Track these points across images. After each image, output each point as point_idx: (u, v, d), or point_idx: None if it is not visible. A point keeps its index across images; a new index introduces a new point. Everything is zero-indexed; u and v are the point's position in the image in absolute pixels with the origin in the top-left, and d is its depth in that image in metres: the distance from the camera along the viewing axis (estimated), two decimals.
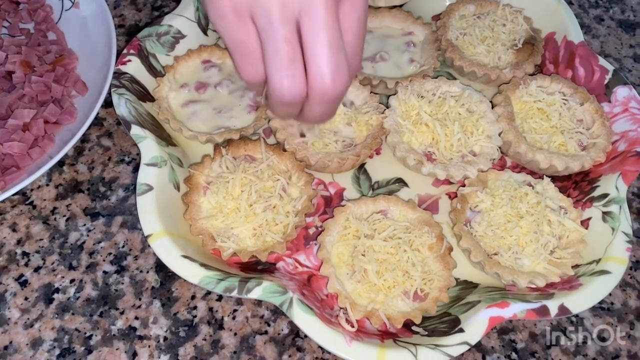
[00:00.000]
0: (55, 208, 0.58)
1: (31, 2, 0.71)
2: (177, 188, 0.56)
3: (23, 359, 0.49)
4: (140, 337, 0.51)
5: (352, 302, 0.50)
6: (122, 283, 0.54)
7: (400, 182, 0.62)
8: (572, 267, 0.53)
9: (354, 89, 0.64)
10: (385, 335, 0.49)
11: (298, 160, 0.58)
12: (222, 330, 0.52)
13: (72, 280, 0.54)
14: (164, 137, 0.59)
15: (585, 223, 0.56)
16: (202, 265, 0.49)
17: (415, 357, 0.45)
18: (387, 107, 0.63)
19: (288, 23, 0.39)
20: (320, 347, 0.50)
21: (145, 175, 0.54)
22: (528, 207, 0.55)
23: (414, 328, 0.50)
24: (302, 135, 0.61)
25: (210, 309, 0.53)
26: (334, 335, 0.46)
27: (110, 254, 0.56)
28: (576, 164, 0.59)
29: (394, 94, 0.64)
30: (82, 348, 0.50)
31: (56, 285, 0.54)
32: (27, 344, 0.50)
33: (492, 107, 0.64)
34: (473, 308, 0.50)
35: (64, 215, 0.58)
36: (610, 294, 0.52)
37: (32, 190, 0.60)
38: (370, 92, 0.64)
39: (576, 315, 0.55)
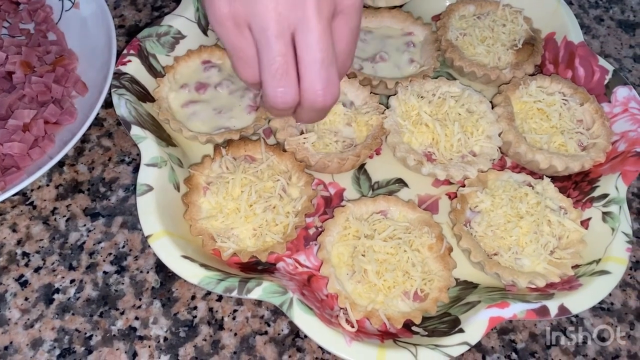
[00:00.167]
0: (55, 208, 0.59)
1: (31, 3, 0.71)
2: (177, 188, 0.56)
3: (23, 359, 0.50)
4: (141, 338, 0.51)
5: (352, 303, 0.50)
6: (122, 283, 0.54)
7: (400, 182, 0.62)
8: (572, 267, 0.53)
9: (353, 89, 0.64)
10: (385, 336, 0.49)
11: (298, 161, 0.58)
12: (222, 331, 0.52)
13: (72, 281, 0.54)
14: (164, 138, 0.59)
15: (585, 223, 0.56)
16: (202, 265, 0.49)
17: (415, 358, 0.45)
18: (387, 108, 0.63)
19: (283, 37, 0.41)
20: (320, 347, 0.50)
21: (145, 175, 0.54)
22: (528, 208, 0.55)
23: (414, 328, 0.50)
24: (302, 133, 0.61)
25: (211, 309, 0.53)
26: (334, 335, 0.46)
27: (110, 254, 0.56)
28: (576, 164, 0.59)
29: (394, 94, 0.64)
30: (83, 348, 0.50)
31: (56, 285, 0.54)
32: (27, 345, 0.50)
33: (492, 108, 0.64)
34: (473, 308, 0.50)
35: (64, 216, 0.58)
36: (610, 294, 0.52)
37: (32, 190, 0.60)
38: (370, 93, 0.64)
39: (576, 316, 0.55)
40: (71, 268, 0.55)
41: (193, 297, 0.54)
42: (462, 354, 0.47)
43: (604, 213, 0.56)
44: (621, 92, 0.64)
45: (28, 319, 0.52)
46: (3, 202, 0.58)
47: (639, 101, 0.63)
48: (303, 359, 0.51)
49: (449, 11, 0.73)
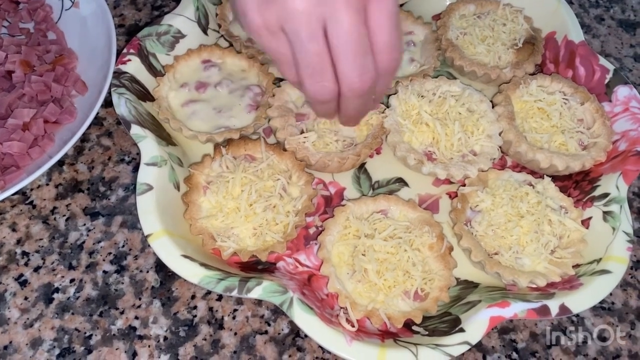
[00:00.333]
0: (55, 208, 0.58)
1: (31, 2, 0.71)
2: (177, 188, 0.56)
3: (23, 359, 0.49)
4: (140, 337, 0.51)
5: (352, 302, 0.50)
6: (122, 283, 0.54)
7: (401, 181, 0.62)
8: (573, 266, 0.53)
9: None
10: (386, 335, 0.49)
11: (298, 160, 0.58)
12: (222, 330, 0.52)
13: (72, 280, 0.54)
14: (164, 137, 0.59)
15: (585, 222, 0.56)
16: (202, 264, 0.49)
17: (415, 357, 0.45)
18: (388, 107, 0.63)
19: (315, 37, 0.42)
20: (320, 346, 0.50)
21: (145, 174, 0.54)
22: (528, 207, 0.55)
23: (414, 328, 0.50)
24: (302, 132, 0.61)
25: (210, 309, 0.53)
26: (334, 334, 0.46)
27: (110, 253, 0.56)
28: (577, 163, 0.59)
29: (394, 94, 0.64)
30: (82, 348, 0.50)
31: (56, 285, 0.54)
32: (26, 344, 0.50)
33: (493, 107, 0.64)
34: (473, 308, 0.50)
35: (64, 215, 0.58)
36: (610, 294, 0.52)
37: (31, 189, 0.59)
38: None
39: (577, 315, 0.55)
40: (71, 267, 0.55)
41: (193, 297, 0.54)
42: (463, 354, 0.47)
43: (605, 212, 0.56)
44: (622, 92, 0.64)
45: (27, 319, 0.51)
46: (2, 201, 0.58)
47: (639, 100, 0.63)
48: (303, 359, 0.51)
49: (449, 10, 0.73)
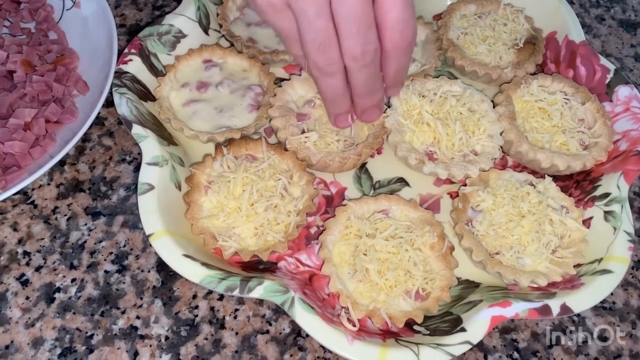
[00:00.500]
0: (56, 207, 0.58)
1: (32, 2, 0.71)
2: (179, 187, 0.56)
3: (24, 359, 0.49)
4: (142, 337, 0.51)
5: (353, 302, 0.50)
6: (124, 282, 0.54)
7: (402, 181, 0.62)
8: (574, 266, 0.53)
9: None
10: (387, 335, 0.49)
11: (299, 160, 0.58)
12: (224, 330, 0.52)
13: (73, 280, 0.54)
14: (165, 137, 0.59)
15: (587, 222, 0.56)
16: (204, 264, 0.49)
17: (417, 357, 0.45)
18: (389, 107, 0.63)
19: (321, 14, 0.44)
20: (322, 346, 0.50)
21: (147, 174, 0.54)
22: (530, 207, 0.55)
23: (415, 327, 0.50)
24: (304, 132, 0.61)
25: (212, 309, 0.53)
26: (335, 334, 0.46)
27: (111, 253, 0.56)
28: (578, 163, 0.59)
29: None
30: (84, 347, 0.50)
31: (57, 284, 0.54)
32: (28, 344, 0.50)
33: (494, 107, 0.64)
34: (475, 307, 0.50)
35: (65, 215, 0.58)
36: (612, 294, 0.52)
37: (33, 189, 0.59)
38: None
39: (578, 315, 0.55)
40: (72, 267, 0.55)
41: (194, 296, 0.54)
42: (464, 353, 0.47)
43: (606, 212, 0.56)
44: (623, 91, 0.64)
45: (29, 318, 0.52)
46: (4, 201, 0.58)
47: None
48: (305, 358, 0.51)
49: (450, 10, 0.73)
